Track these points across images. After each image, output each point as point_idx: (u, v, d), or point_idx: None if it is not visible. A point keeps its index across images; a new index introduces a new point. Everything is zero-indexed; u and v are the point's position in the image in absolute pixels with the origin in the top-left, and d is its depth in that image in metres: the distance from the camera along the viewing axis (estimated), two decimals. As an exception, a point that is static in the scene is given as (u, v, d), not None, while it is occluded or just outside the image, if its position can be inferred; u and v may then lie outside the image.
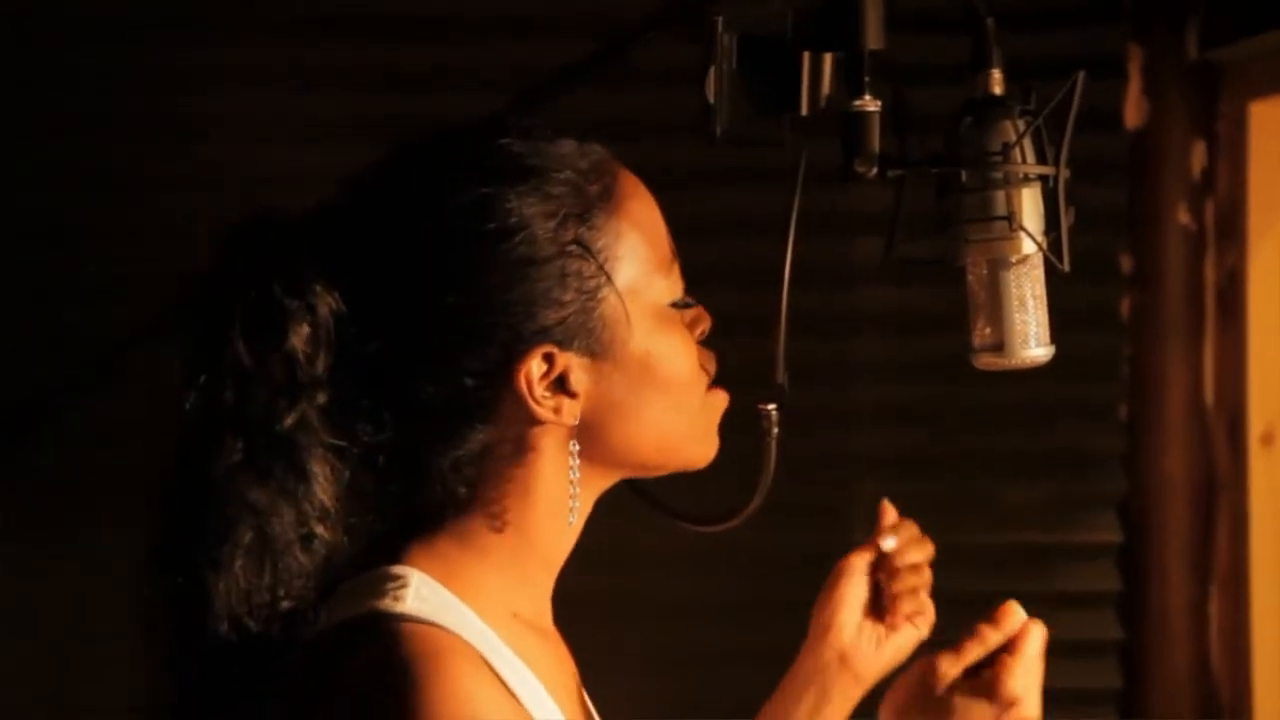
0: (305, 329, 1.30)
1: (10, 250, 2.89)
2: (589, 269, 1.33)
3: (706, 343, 1.41)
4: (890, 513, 1.60)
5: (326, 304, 1.31)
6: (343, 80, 2.90)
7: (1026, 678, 1.36)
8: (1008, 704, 1.34)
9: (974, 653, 1.38)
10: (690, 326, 1.40)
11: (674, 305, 1.38)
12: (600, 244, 1.34)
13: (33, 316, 2.89)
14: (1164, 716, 2.92)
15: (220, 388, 1.30)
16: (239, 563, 1.29)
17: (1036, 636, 1.40)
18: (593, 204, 1.34)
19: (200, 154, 2.88)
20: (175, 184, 2.88)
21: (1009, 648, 1.36)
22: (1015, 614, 1.38)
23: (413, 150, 1.36)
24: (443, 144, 1.36)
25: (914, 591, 1.57)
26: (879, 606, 1.58)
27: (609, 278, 1.34)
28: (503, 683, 1.28)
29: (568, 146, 1.36)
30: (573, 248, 1.33)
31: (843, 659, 1.57)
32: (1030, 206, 1.43)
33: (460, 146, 1.35)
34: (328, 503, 1.31)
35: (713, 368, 1.41)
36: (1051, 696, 2.87)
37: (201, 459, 1.30)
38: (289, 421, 1.30)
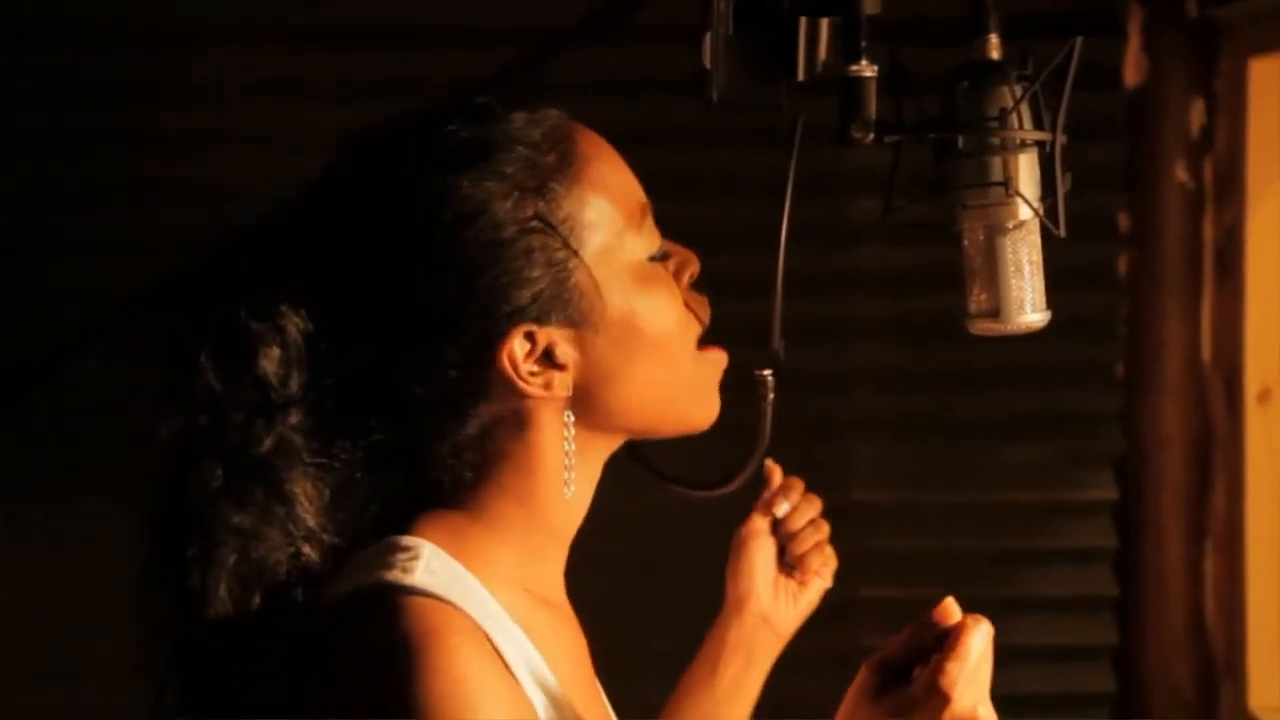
0: (275, 351, 1.29)
1: (6, 214, 2.88)
2: (555, 242, 1.31)
3: (712, 310, 1.40)
4: (777, 474, 1.63)
5: (294, 324, 1.30)
6: (343, 40, 2.89)
7: (963, 676, 1.29)
8: (942, 703, 1.30)
9: (903, 653, 1.34)
10: (676, 276, 1.38)
11: (652, 259, 1.36)
12: (563, 214, 1.32)
13: (28, 283, 2.88)
14: (1159, 672, 2.94)
15: (195, 414, 1.29)
16: (223, 585, 1.28)
17: (978, 634, 1.31)
18: (550, 175, 1.32)
19: (200, 115, 2.87)
20: (176, 145, 2.87)
21: (945, 645, 1.32)
22: (949, 612, 1.33)
23: (361, 149, 1.34)
24: (390, 140, 1.34)
25: (818, 547, 1.63)
26: (784, 563, 1.63)
27: (575, 248, 1.32)
28: (504, 660, 1.28)
29: (518, 120, 1.33)
30: (534, 223, 1.30)
31: (765, 621, 1.62)
32: (1027, 172, 1.42)
33: (407, 140, 1.33)
34: (311, 522, 1.30)
35: (705, 313, 1.39)
36: (1047, 653, 2.92)
37: (183, 484, 1.29)
38: (266, 445, 1.29)
